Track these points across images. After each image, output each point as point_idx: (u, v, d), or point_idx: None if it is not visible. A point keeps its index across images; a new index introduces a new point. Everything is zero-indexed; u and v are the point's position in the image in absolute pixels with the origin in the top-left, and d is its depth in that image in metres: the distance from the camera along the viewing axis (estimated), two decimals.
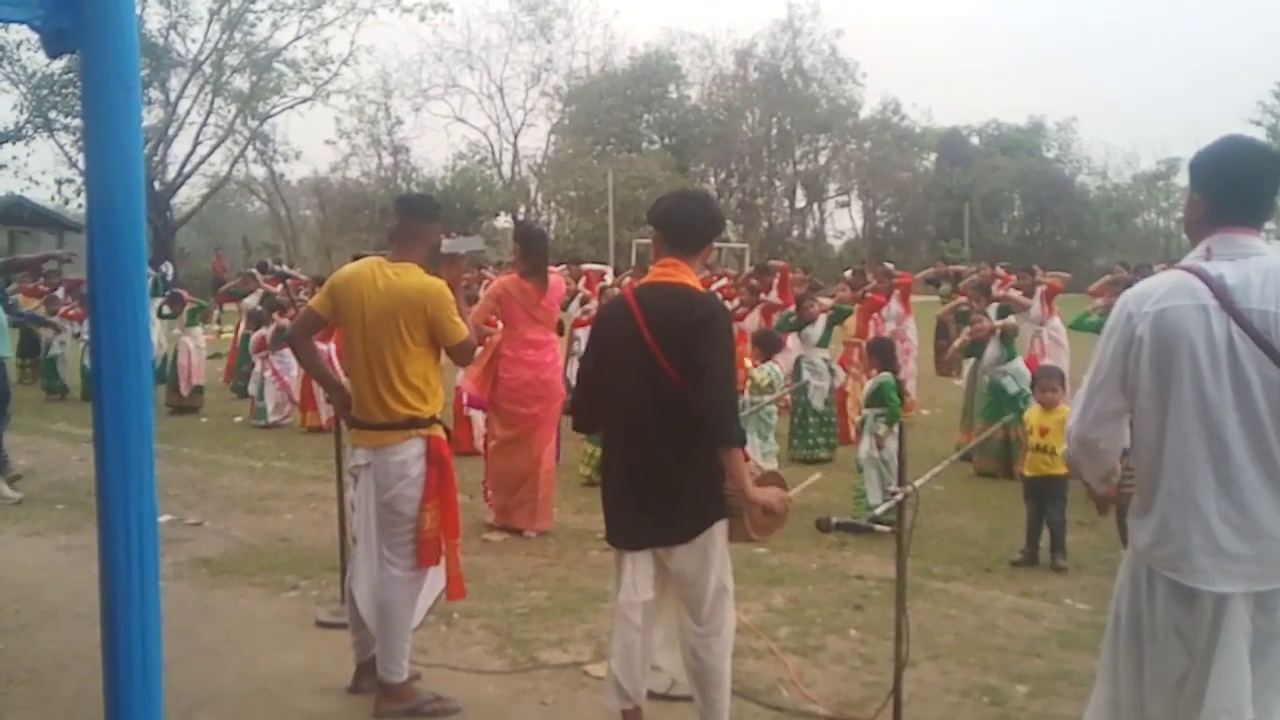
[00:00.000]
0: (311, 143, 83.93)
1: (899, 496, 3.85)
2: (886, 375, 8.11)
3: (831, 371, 11.21)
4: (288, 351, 13.12)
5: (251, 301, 15.71)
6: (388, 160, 59.41)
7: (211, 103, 45.62)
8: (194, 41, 43.85)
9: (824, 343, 11.39)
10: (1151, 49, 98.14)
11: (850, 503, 8.06)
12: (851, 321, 12.61)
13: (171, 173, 45.24)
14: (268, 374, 13.22)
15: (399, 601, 4.65)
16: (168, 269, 20.66)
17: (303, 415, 12.86)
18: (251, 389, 13.86)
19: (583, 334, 12.84)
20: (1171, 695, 2.94)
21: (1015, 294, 11.90)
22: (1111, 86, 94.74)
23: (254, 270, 16.59)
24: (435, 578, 4.80)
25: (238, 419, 13.73)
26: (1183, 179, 69.27)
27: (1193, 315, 2.85)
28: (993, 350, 9.95)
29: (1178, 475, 2.89)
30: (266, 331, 13.48)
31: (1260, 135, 55.58)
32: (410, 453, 4.60)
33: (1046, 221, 65.43)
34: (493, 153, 61.17)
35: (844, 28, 74.74)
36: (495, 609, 5.98)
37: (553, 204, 61.55)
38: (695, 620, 4.05)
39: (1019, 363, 9.94)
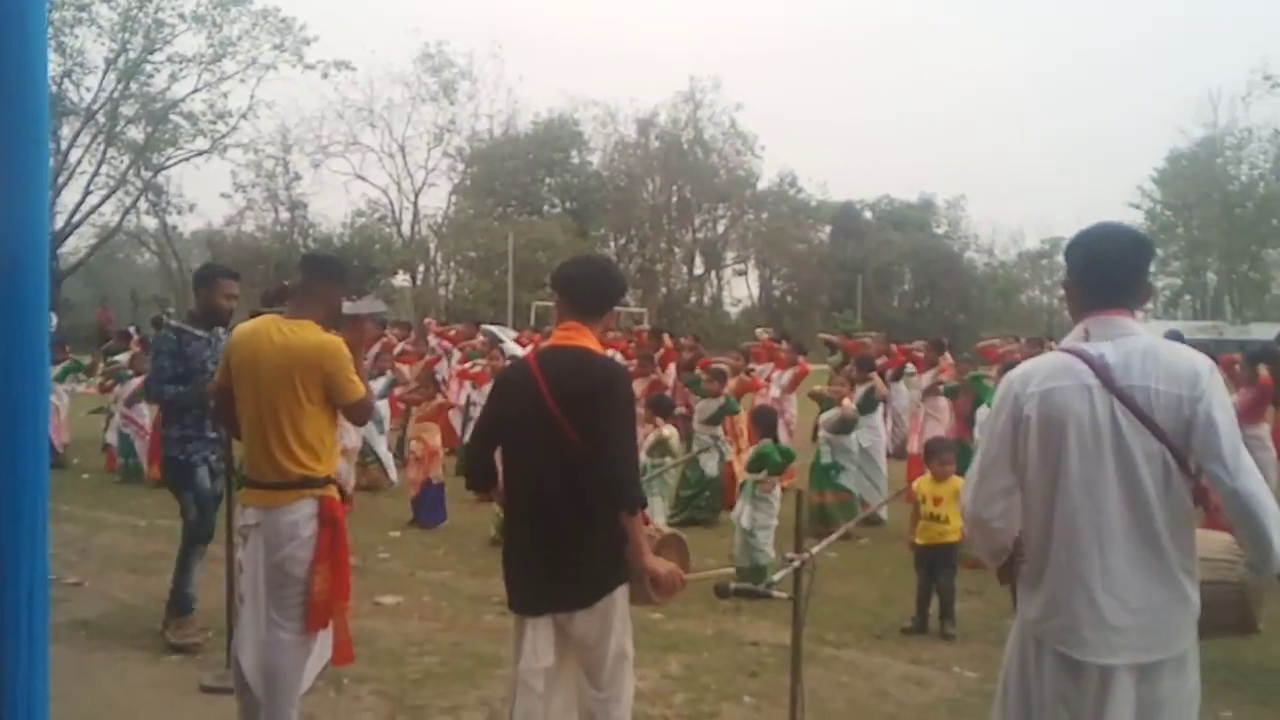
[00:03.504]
0: (206, 195, 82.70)
1: (795, 563, 3.89)
2: (768, 442, 8.24)
3: (720, 451, 11.27)
4: (143, 405, 12.90)
5: (124, 359, 15.36)
6: (285, 215, 58.68)
7: (104, 152, 44.84)
8: (88, 90, 43.10)
9: (716, 420, 11.41)
10: (1037, 131, 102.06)
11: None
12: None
13: (60, 222, 44.14)
14: (130, 429, 12.95)
15: (287, 666, 4.55)
16: (52, 320, 20.00)
17: (149, 467, 12.60)
18: (110, 438, 13.55)
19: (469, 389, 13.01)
20: None
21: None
22: (999, 167, 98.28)
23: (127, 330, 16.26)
24: (325, 642, 4.71)
25: (85, 475, 13.39)
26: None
27: (1076, 395, 2.96)
28: (833, 413, 10.15)
29: (1065, 550, 2.98)
30: (121, 386, 13.25)
31: (1138, 218, 57.92)
32: (302, 513, 4.52)
33: (936, 295, 67.12)
34: (392, 211, 60.87)
35: (744, 101, 76.28)
36: (387, 674, 5.86)
37: (452, 264, 61.43)
38: (595, 686, 4.03)
39: (846, 441, 10.14)
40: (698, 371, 12.50)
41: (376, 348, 15.16)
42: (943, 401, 11.98)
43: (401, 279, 60.45)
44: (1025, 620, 3.15)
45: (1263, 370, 9.70)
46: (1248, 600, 3.28)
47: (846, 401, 10.24)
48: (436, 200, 62.85)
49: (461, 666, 6.06)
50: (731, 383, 12.76)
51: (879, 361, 12.80)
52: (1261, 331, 49.10)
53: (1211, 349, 3.08)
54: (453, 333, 17.64)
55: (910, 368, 14.23)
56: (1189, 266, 65.20)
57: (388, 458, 12.65)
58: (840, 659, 6.44)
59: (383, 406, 12.31)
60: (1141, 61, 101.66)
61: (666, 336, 15.54)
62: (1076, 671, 2.97)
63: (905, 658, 6.58)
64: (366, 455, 12.30)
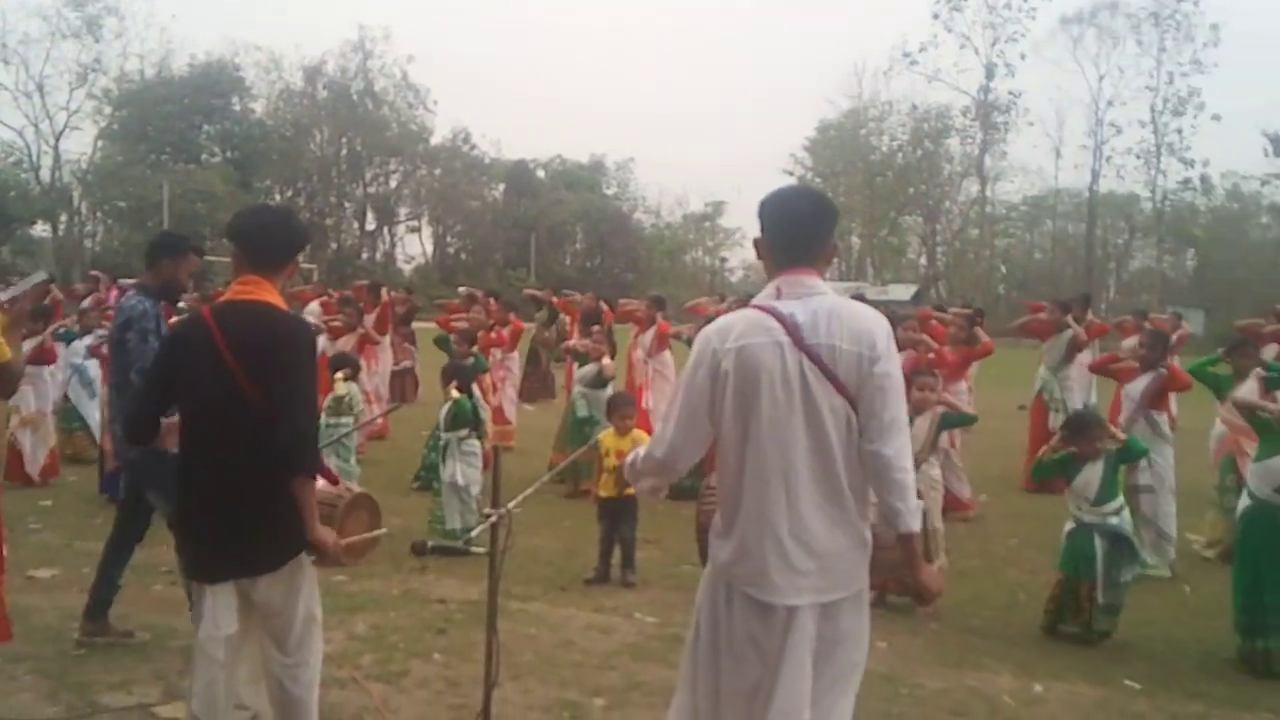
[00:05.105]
0: None
1: (493, 518, 3.89)
2: (463, 397, 8.20)
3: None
4: None
5: None
6: None
7: None
8: None
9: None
10: (701, 99, 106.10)
11: (425, 527, 8.07)
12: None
13: None
14: None
15: None
16: None
17: None
18: None
19: None
20: (745, 702, 3.17)
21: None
22: (665, 132, 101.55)
23: None
24: None
25: None
26: (727, 220, 75.06)
27: (769, 351, 3.10)
28: (590, 368, 10.32)
29: (756, 498, 3.13)
30: None
31: (791, 184, 61.62)
32: None
33: (606, 255, 68.86)
34: (30, 155, 55.98)
35: (416, 54, 74.92)
36: (46, 651, 5.45)
37: (99, 214, 57.26)
38: (282, 651, 3.90)
39: (602, 395, 10.32)
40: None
41: (88, 301, 13.93)
42: (668, 356, 12.24)
43: (41, 229, 55.85)
44: (717, 565, 3.28)
45: (982, 335, 10.75)
46: None
47: (606, 360, 10.36)
48: (81, 145, 58.39)
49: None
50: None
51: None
52: (898, 292, 53.51)
53: None
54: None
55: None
56: (835, 231, 70.04)
57: (98, 424, 11.33)
58: (527, 611, 6.52)
59: (93, 367, 10.74)
60: (796, 35, 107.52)
61: (385, 290, 15.03)
62: (765, 612, 3.13)
63: (589, 607, 6.75)
64: (73, 421, 10.97)
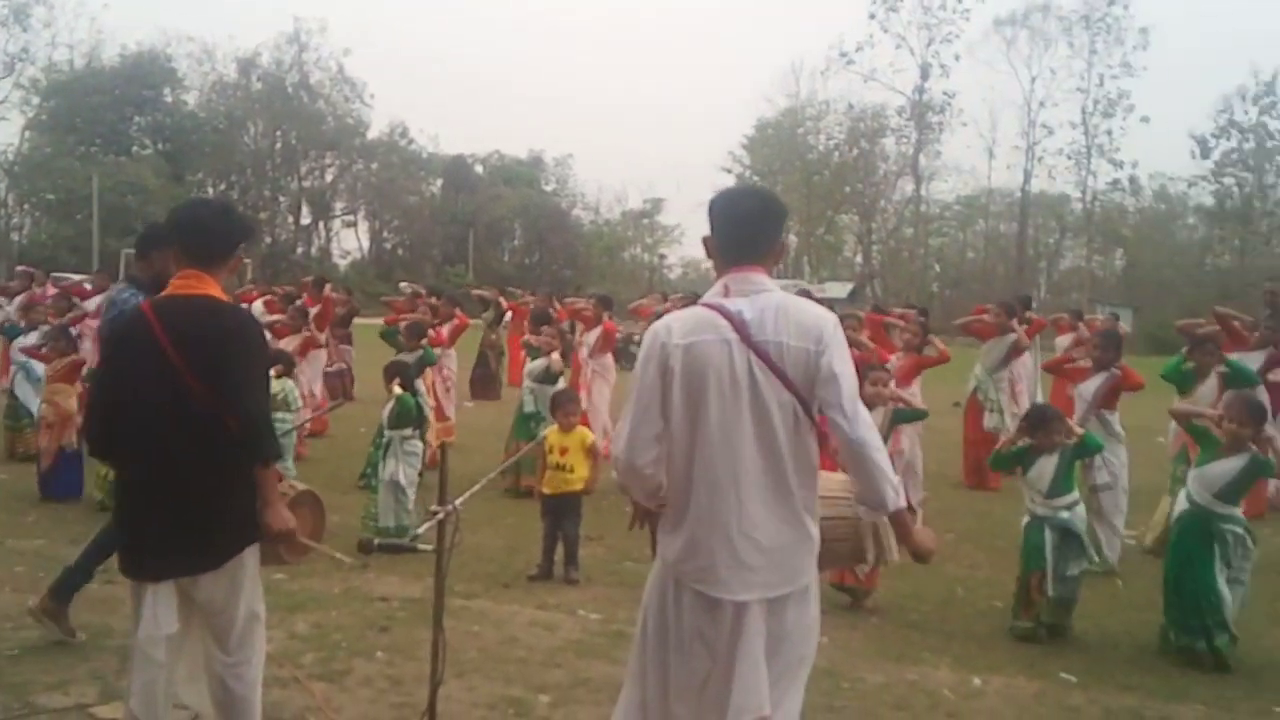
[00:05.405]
0: None
1: (440, 515, 3.87)
2: (406, 395, 8.15)
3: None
4: None
5: None
6: None
7: None
8: None
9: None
10: (640, 94, 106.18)
11: (359, 524, 8.03)
12: None
13: None
14: None
15: None
16: None
17: None
18: None
19: None
20: (695, 696, 3.21)
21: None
22: (604, 127, 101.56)
23: None
24: None
25: None
26: (666, 217, 75.13)
27: (717, 349, 3.14)
28: (539, 363, 10.30)
29: (705, 494, 3.16)
30: None
31: (729, 182, 61.85)
32: None
33: (544, 251, 68.60)
34: None
35: (352, 47, 74.26)
36: None
37: (26, 206, 56.14)
38: (223, 650, 3.87)
39: (549, 390, 10.28)
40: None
41: (22, 299, 13.62)
42: (609, 359, 12.24)
43: None
44: (665, 562, 3.30)
45: (940, 343, 10.93)
46: (860, 533, 3.57)
47: (555, 356, 10.31)
48: (8, 136, 57.18)
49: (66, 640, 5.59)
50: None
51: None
52: (835, 290, 53.91)
53: None
54: (89, 287, 15.67)
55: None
56: (783, 230, 70.75)
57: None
58: (470, 608, 6.48)
59: (38, 366, 10.29)
60: (735, 33, 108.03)
61: (329, 287, 14.80)
62: (713, 608, 3.16)
63: (532, 604, 6.73)
64: (21, 417, 10.61)
